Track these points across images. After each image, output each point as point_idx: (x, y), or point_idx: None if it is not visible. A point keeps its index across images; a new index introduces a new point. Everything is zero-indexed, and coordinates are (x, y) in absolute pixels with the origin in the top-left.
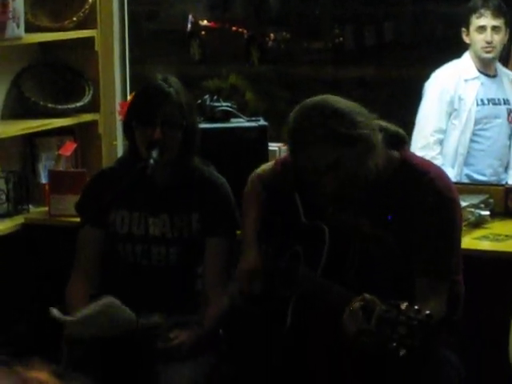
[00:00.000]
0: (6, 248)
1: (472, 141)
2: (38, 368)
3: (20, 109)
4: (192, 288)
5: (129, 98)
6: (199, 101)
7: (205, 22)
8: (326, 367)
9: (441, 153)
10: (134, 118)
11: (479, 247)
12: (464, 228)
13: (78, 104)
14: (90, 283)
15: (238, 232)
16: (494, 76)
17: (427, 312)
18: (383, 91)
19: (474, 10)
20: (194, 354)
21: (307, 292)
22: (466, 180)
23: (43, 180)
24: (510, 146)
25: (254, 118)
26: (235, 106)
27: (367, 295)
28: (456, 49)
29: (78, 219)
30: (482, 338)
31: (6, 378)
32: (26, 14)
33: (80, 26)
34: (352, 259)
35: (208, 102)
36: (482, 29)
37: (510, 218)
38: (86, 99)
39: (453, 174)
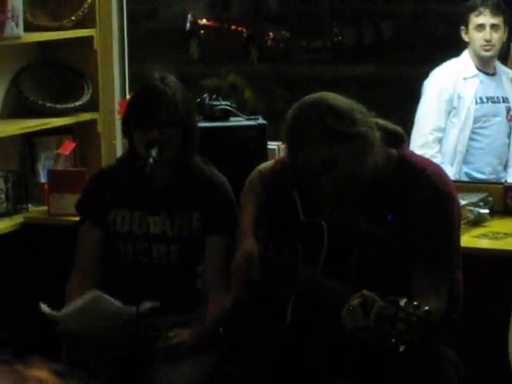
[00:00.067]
0: (5, 247)
1: (471, 139)
2: (37, 366)
3: (19, 108)
4: (192, 286)
5: (128, 96)
6: (198, 100)
7: (204, 21)
8: (325, 364)
9: (440, 151)
10: (132, 119)
11: (478, 245)
12: (463, 226)
13: (77, 103)
14: (90, 282)
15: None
16: (493, 74)
17: (426, 308)
18: (382, 90)
19: (472, 9)
20: (195, 352)
21: (307, 289)
22: (465, 178)
23: (42, 179)
24: (509, 144)
25: (253, 117)
26: (234, 105)
27: (366, 292)
28: (455, 47)
29: (77, 218)
30: (481, 336)
31: (6, 376)
32: (24, 13)
33: (79, 25)
34: (351, 257)
35: (207, 101)
36: (480, 27)
37: (509, 216)
38: (85, 98)
39: (452, 172)
